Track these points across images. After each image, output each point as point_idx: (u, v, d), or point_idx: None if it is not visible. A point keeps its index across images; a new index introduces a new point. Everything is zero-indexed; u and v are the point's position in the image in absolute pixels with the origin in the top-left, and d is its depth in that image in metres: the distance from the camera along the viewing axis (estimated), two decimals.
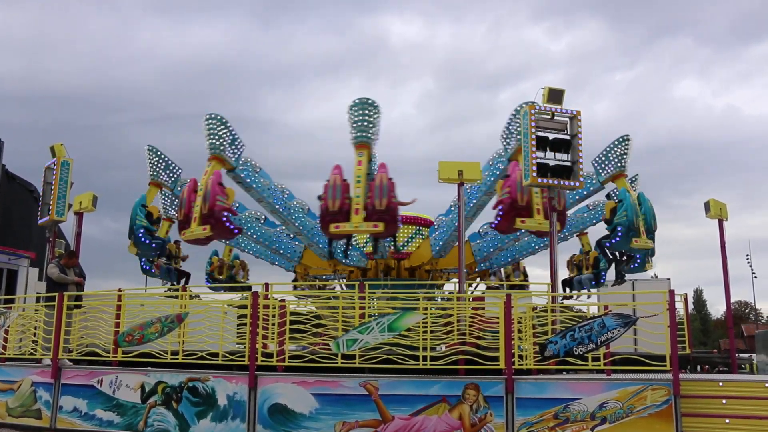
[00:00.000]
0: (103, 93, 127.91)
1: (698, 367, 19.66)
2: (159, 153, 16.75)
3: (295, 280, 18.53)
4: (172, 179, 16.91)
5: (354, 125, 13.37)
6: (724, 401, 8.90)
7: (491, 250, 17.31)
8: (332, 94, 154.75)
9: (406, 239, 17.99)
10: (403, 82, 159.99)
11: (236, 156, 14.77)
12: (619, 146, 15.30)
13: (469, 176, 12.12)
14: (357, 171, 13.05)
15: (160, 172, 16.77)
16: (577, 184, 12.60)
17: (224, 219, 13.49)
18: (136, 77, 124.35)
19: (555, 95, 12.61)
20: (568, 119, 12.64)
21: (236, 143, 14.76)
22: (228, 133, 14.49)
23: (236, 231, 14.33)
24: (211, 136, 14.22)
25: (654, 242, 15.19)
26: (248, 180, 15.12)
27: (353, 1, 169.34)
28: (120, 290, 11.83)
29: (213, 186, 13.53)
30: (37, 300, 13.01)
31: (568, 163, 12.53)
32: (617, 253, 15.69)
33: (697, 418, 8.90)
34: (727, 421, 8.77)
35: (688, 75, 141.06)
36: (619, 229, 14.17)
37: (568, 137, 12.59)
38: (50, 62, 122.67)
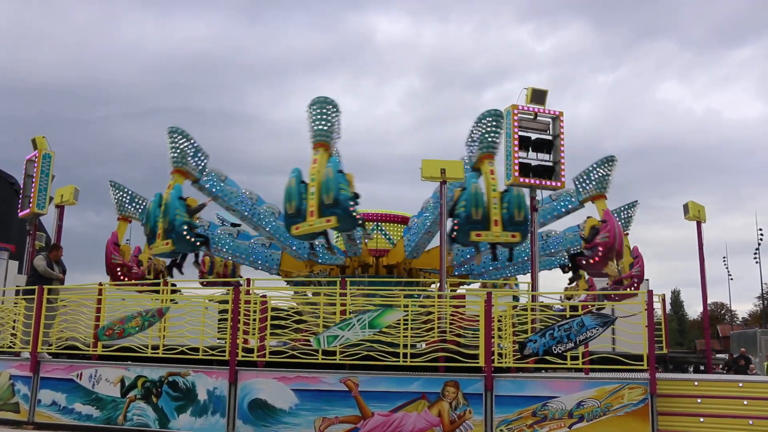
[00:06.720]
0: (86, 86, 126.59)
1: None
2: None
3: None
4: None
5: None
6: (698, 400, 9.04)
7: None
8: (318, 90, 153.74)
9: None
10: (389, 79, 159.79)
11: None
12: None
13: (452, 175, 12.17)
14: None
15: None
16: (559, 184, 12.71)
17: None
18: (121, 70, 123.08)
19: (538, 96, 12.72)
20: (550, 120, 12.75)
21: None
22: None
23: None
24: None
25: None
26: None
27: None
28: (101, 284, 11.77)
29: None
30: (17, 293, 12.92)
31: (550, 163, 12.63)
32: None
33: (673, 417, 9.03)
34: (702, 419, 8.91)
35: (670, 78, 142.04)
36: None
37: (550, 137, 12.70)
38: (33, 54, 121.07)
